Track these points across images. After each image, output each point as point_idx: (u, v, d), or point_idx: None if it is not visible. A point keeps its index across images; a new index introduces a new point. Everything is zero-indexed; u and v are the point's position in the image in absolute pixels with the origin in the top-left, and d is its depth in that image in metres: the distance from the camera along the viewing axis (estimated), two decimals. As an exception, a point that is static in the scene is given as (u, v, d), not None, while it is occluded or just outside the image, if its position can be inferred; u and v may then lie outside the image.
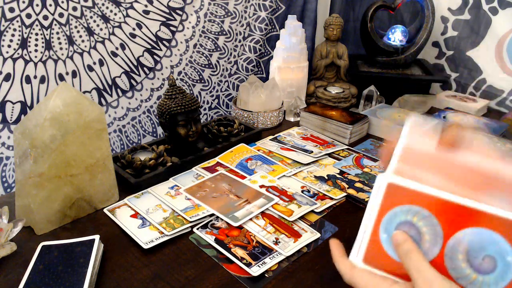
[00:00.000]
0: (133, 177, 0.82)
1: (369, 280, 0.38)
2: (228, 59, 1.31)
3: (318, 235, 0.69)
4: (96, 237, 0.63)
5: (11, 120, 0.93)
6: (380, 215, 0.38)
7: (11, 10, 0.85)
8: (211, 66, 1.28)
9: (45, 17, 0.90)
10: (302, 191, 0.82)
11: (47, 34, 0.92)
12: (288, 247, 0.66)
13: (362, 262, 0.39)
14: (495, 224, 0.33)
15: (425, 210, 0.36)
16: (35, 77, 0.93)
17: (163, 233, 0.68)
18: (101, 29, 1.00)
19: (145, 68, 1.13)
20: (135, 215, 0.74)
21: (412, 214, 0.37)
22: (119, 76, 1.08)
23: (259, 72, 1.41)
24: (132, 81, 1.11)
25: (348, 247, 0.70)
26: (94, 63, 1.02)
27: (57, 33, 0.93)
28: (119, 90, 1.10)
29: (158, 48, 1.13)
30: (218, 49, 1.27)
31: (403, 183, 0.37)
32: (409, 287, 0.36)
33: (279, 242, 0.67)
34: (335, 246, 0.42)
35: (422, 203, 0.37)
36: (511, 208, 0.33)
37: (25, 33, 0.89)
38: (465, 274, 0.34)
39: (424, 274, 0.34)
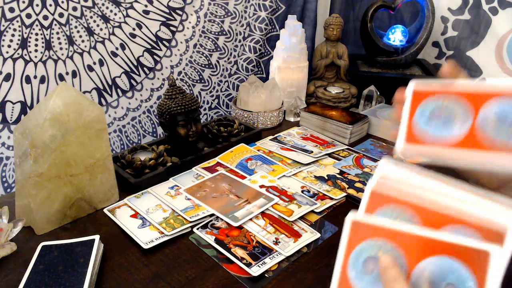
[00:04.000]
0: (133, 177, 0.82)
1: None
2: (228, 59, 1.31)
3: (318, 235, 0.69)
4: (96, 237, 0.63)
5: (11, 120, 0.93)
6: (348, 252, 0.39)
7: (11, 10, 0.85)
8: (211, 66, 1.28)
9: (45, 17, 0.90)
10: (302, 191, 0.82)
11: (47, 34, 0.92)
12: (288, 247, 0.66)
13: None
14: (454, 251, 0.34)
15: (388, 243, 0.38)
16: (35, 77, 0.93)
17: (163, 233, 0.68)
18: (101, 29, 1.00)
19: (145, 68, 1.13)
20: (135, 215, 0.74)
21: (376, 249, 0.38)
22: (119, 76, 1.08)
23: (259, 72, 1.41)
24: (132, 81, 1.11)
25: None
26: (94, 63, 1.02)
27: (57, 33, 0.93)
28: (119, 90, 1.10)
29: (158, 48, 1.13)
30: (218, 49, 1.27)
31: (365, 219, 0.39)
32: None
33: (279, 242, 0.67)
34: None
35: (384, 236, 0.38)
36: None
37: (25, 33, 0.89)
38: None
39: None
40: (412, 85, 0.46)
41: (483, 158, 0.39)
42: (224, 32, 1.25)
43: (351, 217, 0.40)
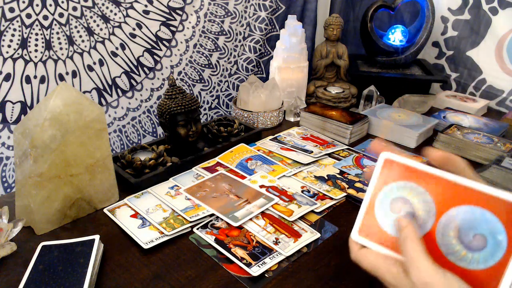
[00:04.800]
0: (133, 177, 0.82)
1: (372, 260, 0.40)
2: (228, 59, 1.31)
3: (318, 235, 0.69)
4: (96, 237, 0.63)
5: (11, 120, 0.93)
6: (377, 189, 0.39)
7: (11, 10, 0.85)
8: (211, 66, 1.28)
9: (45, 17, 0.90)
10: (302, 191, 0.82)
11: (47, 34, 0.92)
12: (288, 247, 0.66)
13: (358, 234, 0.40)
14: (490, 203, 0.34)
15: (420, 187, 0.37)
16: (35, 77, 0.93)
17: (163, 233, 0.68)
18: (101, 29, 1.00)
19: (145, 68, 1.13)
20: (135, 215, 0.74)
21: (407, 190, 0.38)
22: (119, 76, 1.08)
23: (259, 72, 1.41)
24: (132, 81, 1.11)
25: (348, 247, 0.70)
26: (94, 63, 1.02)
27: (57, 33, 0.93)
28: (119, 90, 1.10)
29: (158, 48, 1.13)
30: (218, 49, 1.27)
31: (400, 159, 0.39)
32: (406, 269, 0.37)
33: (279, 242, 0.67)
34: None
35: (417, 180, 0.37)
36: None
37: (25, 33, 0.89)
38: (455, 250, 0.35)
39: (417, 263, 0.34)
40: (382, 159, 0.42)
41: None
42: (224, 32, 1.25)
43: (384, 156, 0.40)
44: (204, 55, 1.24)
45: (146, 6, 1.05)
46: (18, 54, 0.89)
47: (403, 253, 0.36)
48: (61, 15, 0.92)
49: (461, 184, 0.35)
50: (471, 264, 0.34)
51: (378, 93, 1.22)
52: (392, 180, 0.39)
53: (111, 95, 1.09)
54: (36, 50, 0.91)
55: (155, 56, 1.13)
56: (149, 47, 1.11)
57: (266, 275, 0.61)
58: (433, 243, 0.36)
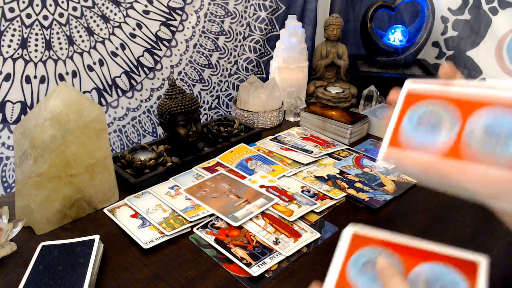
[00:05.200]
0: (133, 177, 0.82)
1: None
2: (228, 59, 1.31)
3: (318, 235, 0.69)
4: (96, 237, 0.63)
5: (11, 120, 0.93)
6: (347, 256, 0.42)
7: (11, 10, 0.85)
8: (211, 66, 1.28)
9: (45, 17, 0.90)
10: (302, 191, 0.82)
11: (47, 34, 0.92)
12: (288, 247, 0.66)
13: None
14: (445, 259, 0.38)
15: (387, 251, 0.41)
16: (35, 77, 0.93)
17: (163, 233, 0.68)
18: (101, 29, 1.00)
19: (145, 68, 1.13)
20: (135, 215, 0.74)
21: (375, 254, 0.41)
22: (119, 76, 1.08)
23: (259, 72, 1.41)
24: (132, 81, 1.11)
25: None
26: (94, 63, 1.02)
27: (57, 33, 0.93)
28: (119, 90, 1.10)
29: (158, 48, 1.13)
30: (218, 49, 1.27)
31: (365, 232, 0.43)
32: None
33: (279, 242, 0.67)
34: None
35: (383, 245, 0.42)
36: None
37: (25, 33, 0.89)
38: None
39: None
40: (406, 87, 0.46)
41: (464, 171, 0.38)
42: (224, 32, 1.25)
43: (350, 231, 0.44)
44: (204, 55, 1.24)
45: (146, 6, 1.05)
46: (18, 54, 0.89)
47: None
48: (61, 15, 0.92)
49: (422, 247, 0.40)
50: None
51: (378, 93, 1.22)
52: (361, 246, 0.43)
53: (111, 95, 1.09)
54: (36, 50, 0.91)
55: (155, 56, 1.13)
56: (149, 47, 1.11)
57: (266, 275, 0.61)
58: None
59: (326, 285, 0.42)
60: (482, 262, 0.36)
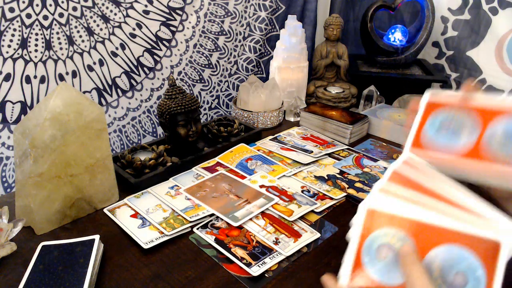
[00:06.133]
0: (133, 177, 0.82)
1: None
2: (228, 59, 1.31)
3: (318, 235, 0.69)
4: (96, 237, 0.63)
5: (11, 120, 0.93)
6: (362, 240, 0.41)
7: (11, 10, 0.85)
8: (211, 66, 1.28)
9: (45, 17, 0.90)
10: (302, 191, 0.82)
11: (47, 34, 0.92)
12: (288, 247, 0.66)
13: (348, 285, 0.41)
14: (464, 240, 0.36)
15: (401, 232, 0.39)
16: (35, 77, 0.93)
17: (163, 233, 0.68)
18: (101, 29, 1.00)
19: (145, 68, 1.13)
20: (135, 215, 0.74)
21: (389, 237, 0.40)
22: (119, 76, 1.08)
23: (259, 72, 1.41)
24: (132, 81, 1.11)
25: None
26: (94, 63, 1.02)
27: (57, 33, 0.93)
28: (119, 90, 1.10)
29: (158, 48, 1.13)
30: (218, 49, 1.27)
31: (379, 207, 0.41)
32: None
33: (279, 242, 0.67)
34: (329, 281, 0.43)
35: (397, 225, 0.40)
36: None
37: (25, 33, 0.89)
38: None
39: (423, 284, 0.35)
40: (427, 96, 0.48)
41: (485, 169, 0.40)
42: (224, 32, 1.25)
43: (366, 205, 0.42)
44: (204, 55, 1.24)
45: (146, 6, 1.05)
46: (18, 54, 0.89)
47: (408, 275, 0.37)
48: (61, 15, 0.92)
49: (438, 225, 0.37)
50: None
51: (378, 93, 1.22)
52: (375, 228, 0.41)
53: (111, 95, 1.09)
54: (36, 50, 0.91)
55: (155, 56, 1.13)
56: (149, 47, 1.11)
57: (266, 275, 0.61)
58: None
59: (343, 272, 0.41)
60: (504, 242, 0.34)
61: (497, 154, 0.40)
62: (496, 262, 0.33)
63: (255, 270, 0.61)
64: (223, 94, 1.36)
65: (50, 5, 0.90)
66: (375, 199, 0.42)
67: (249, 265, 0.62)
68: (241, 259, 0.63)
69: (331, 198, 0.80)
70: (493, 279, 0.33)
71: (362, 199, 0.82)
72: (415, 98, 0.50)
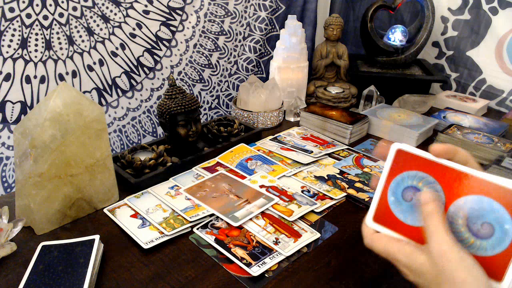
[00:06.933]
0: (133, 177, 0.82)
1: (385, 243, 0.41)
2: (228, 59, 1.31)
3: (318, 235, 0.69)
4: (96, 237, 0.63)
5: (11, 120, 0.93)
6: (389, 179, 0.41)
7: (11, 10, 0.85)
8: (211, 66, 1.28)
9: (45, 17, 0.90)
10: (302, 191, 0.82)
11: (47, 34, 0.92)
12: (288, 247, 0.66)
13: (372, 221, 0.42)
14: (497, 193, 0.35)
15: (430, 177, 0.38)
16: (35, 77, 0.93)
17: (163, 233, 0.68)
18: (101, 29, 1.00)
19: (145, 68, 1.13)
20: (135, 215, 0.74)
21: (418, 180, 0.39)
22: (119, 76, 1.08)
23: (259, 72, 1.41)
24: (132, 81, 1.11)
25: (348, 247, 0.70)
26: (94, 63, 1.02)
27: (57, 33, 0.93)
28: (119, 90, 1.10)
29: (158, 48, 1.13)
30: (218, 49, 1.27)
31: (411, 150, 0.40)
32: (419, 247, 0.38)
33: (279, 242, 0.67)
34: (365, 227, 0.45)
35: (428, 170, 0.39)
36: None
37: (25, 33, 0.89)
38: (464, 238, 0.36)
39: (438, 236, 0.35)
40: (394, 149, 0.43)
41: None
42: (224, 32, 1.25)
43: (396, 146, 0.41)
44: (204, 55, 1.24)
45: (146, 6, 1.05)
46: (18, 54, 0.89)
47: (426, 226, 0.37)
48: (61, 15, 0.92)
49: (470, 174, 0.36)
50: (479, 251, 0.35)
51: (378, 93, 1.22)
52: (404, 170, 0.40)
53: (111, 95, 1.09)
54: (36, 50, 0.91)
55: (155, 56, 1.13)
56: (149, 47, 1.11)
57: (266, 275, 0.61)
58: None
59: (369, 211, 0.42)
60: None
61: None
62: None
63: (255, 270, 0.61)
64: (223, 94, 1.36)
65: (50, 5, 0.90)
66: (407, 144, 0.41)
67: (249, 265, 0.62)
68: (241, 259, 0.63)
69: (331, 198, 0.80)
70: None
71: (362, 199, 0.83)
72: (381, 141, 0.47)
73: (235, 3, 1.23)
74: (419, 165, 0.40)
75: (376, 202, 0.42)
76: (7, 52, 0.88)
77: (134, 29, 1.06)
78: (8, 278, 0.60)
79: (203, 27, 1.20)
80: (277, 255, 0.64)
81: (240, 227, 0.70)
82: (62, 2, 0.92)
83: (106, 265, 0.63)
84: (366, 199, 0.79)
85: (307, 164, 0.92)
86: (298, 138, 1.06)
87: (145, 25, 1.07)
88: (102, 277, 0.60)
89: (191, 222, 0.71)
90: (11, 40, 0.87)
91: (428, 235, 0.36)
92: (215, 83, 1.31)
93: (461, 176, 0.37)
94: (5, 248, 0.61)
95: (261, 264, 0.62)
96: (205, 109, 1.34)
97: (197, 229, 0.71)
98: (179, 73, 1.21)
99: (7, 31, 0.86)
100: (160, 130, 1.23)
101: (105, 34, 1.01)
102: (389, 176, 0.41)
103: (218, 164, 0.92)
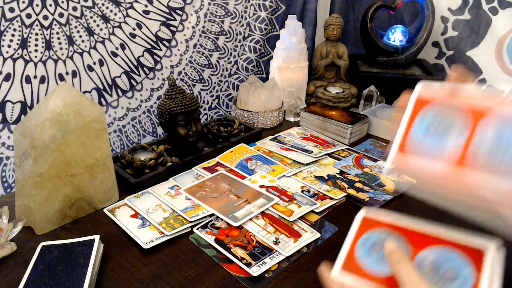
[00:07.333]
0: (133, 177, 0.82)
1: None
2: (228, 59, 1.31)
3: (318, 235, 0.69)
4: (96, 237, 0.63)
5: (11, 120, 0.93)
6: (356, 238, 0.44)
7: (11, 10, 0.85)
8: (211, 66, 1.28)
9: (45, 17, 0.90)
10: (302, 191, 0.82)
11: (47, 34, 0.92)
12: (288, 247, 0.66)
13: (339, 273, 0.44)
14: (454, 244, 0.40)
15: (394, 234, 0.43)
16: (35, 77, 0.93)
17: (163, 233, 0.68)
18: (101, 29, 1.00)
19: (145, 68, 1.13)
20: (135, 215, 0.74)
21: (383, 237, 0.43)
22: (119, 76, 1.08)
23: (259, 72, 1.41)
24: (132, 81, 1.11)
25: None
26: (94, 63, 1.02)
27: (57, 33, 0.93)
28: (119, 90, 1.10)
29: (158, 48, 1.13)
30: (218, 49, 1.27)
31: (374, 216, 0.44)
32: None
33: (279, 242, 0.67)
34: (324, 272, 0.45)
35: (391, 229, 0.43)
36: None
37: (25, 33, 0.89)
38: (434, 281, 0.39)
39: (412, 277, 0.38)
40: (417, 89, 0.46)
41: (473, 179, 0.38)
42: (224, 32, 1.25)
43: (361, 214, 0.45)
44: (204, 55, 1.24)
45: (146, 6, 1.05)
46: (18, 54, 0.89)
47: (398, 273, 0.39)
48: (61, 15, 0.92)
49: (429, 232, 0.41)
50: None
51: (378, 93, 1.22)
52: (370, 229, 0.44)
53: (111, 95, 1.09)
54: (36, 50, 0.91)
55: (155, 56, 1.13)
56: (149, 47, 1.11)
57: (266, 275, 0.61)
58: None
59: (336, 264, 0.43)
60: (491, 248, 0.37)
61: (487, 160, 0.38)
62: (483, 264, 0.37)
63: (255, 270, 0.61)
64: (223, 94, 1.36)
65: (50, 5, 0.90)
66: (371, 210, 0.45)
67: (249, 265, 0.62)
68: (241, 259, 0.63)
69: (331, 198, 0.80)
70: (480, 278, 0.36)
71: (362, 199, 0.83)
72: (405, 92, 0.47)
73: (235, 3, 1.23)
74: (383, 225, 0.44)
75: (344, 255, 0.44)
76: (7, 52, 0.88)
77: (134, 29, 1.06)
78: (8, 278, 0.60)
79: (203, 27, 1.20)
80: (277, 255, 0.64)
81: (240, 227, 0.70)
82: (62, 2, 0.92)
83: (106, 265, 0.63)
84: (366, 199, 0.79)
85: (307, 164, 0.92)
86: (298, 138, 1.06)
87: (145, 25, 1.07)
88: (102, 277, 0.60)
89: (191, 222, 0.71)
90: (11, 40, 0.87)
91: (402, 281, 0.38)
92: (215, 83, 1.31)
93: (421, 233, 0.42)
94: (5, 248, 0.61)
95: (261, 264, 0.62)
96: (205, 109, 1.34)
97: (197, 229, 0.71)
98: (179, 73, 1.21)
99: (7, 31, 0.86)
100: (160, 130, 1.23)
101: (105, 34, 1.01)
102: (357, 235, 0.44)
103: (218, 164, 0.92)
